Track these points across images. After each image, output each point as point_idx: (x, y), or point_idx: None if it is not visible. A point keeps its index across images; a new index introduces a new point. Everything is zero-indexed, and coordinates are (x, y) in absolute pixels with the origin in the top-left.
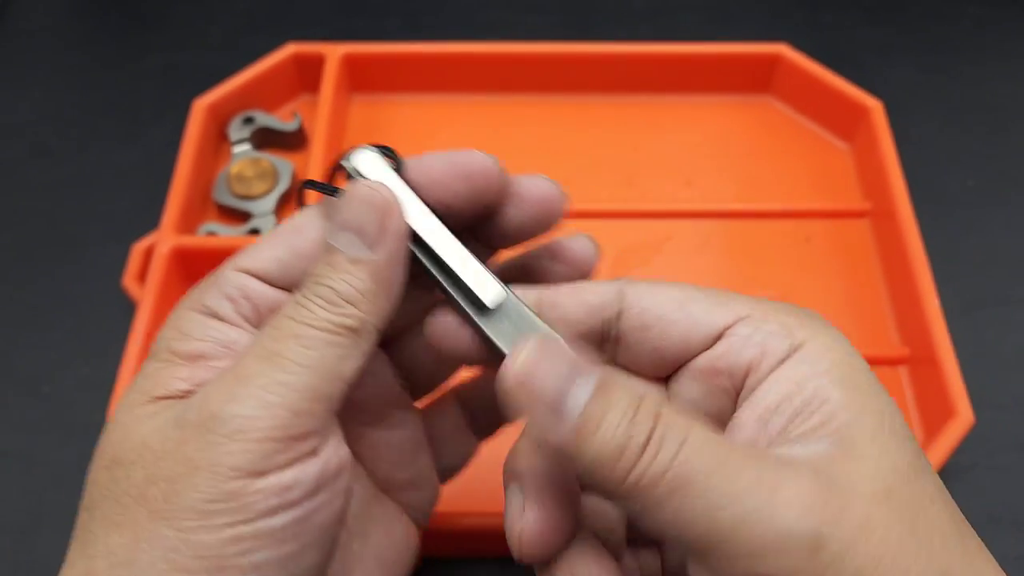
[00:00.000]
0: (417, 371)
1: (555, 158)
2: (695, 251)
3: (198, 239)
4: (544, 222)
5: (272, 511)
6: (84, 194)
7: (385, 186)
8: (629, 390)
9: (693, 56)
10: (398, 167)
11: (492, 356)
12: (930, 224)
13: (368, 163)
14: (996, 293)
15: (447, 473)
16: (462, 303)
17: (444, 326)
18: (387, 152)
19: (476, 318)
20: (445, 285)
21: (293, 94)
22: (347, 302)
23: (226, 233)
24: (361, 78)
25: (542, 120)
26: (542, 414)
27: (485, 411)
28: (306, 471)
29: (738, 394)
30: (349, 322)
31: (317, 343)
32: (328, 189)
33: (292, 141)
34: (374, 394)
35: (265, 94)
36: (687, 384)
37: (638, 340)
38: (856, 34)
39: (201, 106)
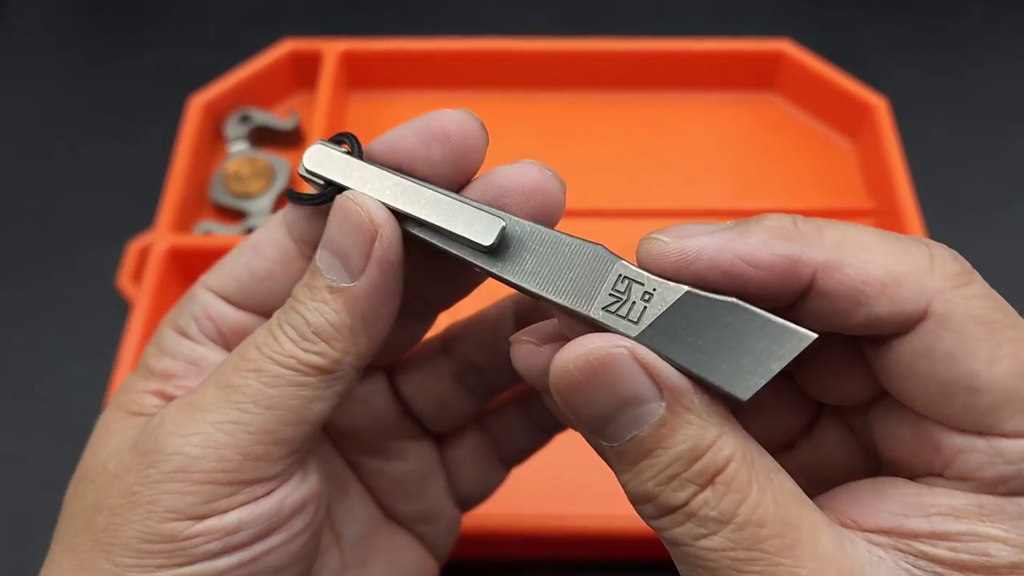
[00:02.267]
0: (426, 400)
1: (555, 156)
2: None
3: (194, 238)
4: (541, 218)
5: (214, 555)
6: (78, 193)
7: (376, 203)
8: (697, 434)
9: (695, 53)
10: (358, 153)
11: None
12: (935, 224)
13: (319, 159)
14: (1003, 294)
15: (468, 503)
16: (477, 262)
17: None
18: (345, 139)
19: (490, 267)
20: (459, 254)
21: (290, 91)
22: (319, 337)
23: (223, 232)
24: (359, 75)
25: (542, 117)
26: (584, 418)
27: (514, 438)
28: (255, 512)
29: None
30: (319, 361)
31: (280, 381)
32: (312, 199)
33: (289, 139)
34: (366, 424)
35: (262, 91)
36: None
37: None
38: (860, 32)
39: (197, 104)
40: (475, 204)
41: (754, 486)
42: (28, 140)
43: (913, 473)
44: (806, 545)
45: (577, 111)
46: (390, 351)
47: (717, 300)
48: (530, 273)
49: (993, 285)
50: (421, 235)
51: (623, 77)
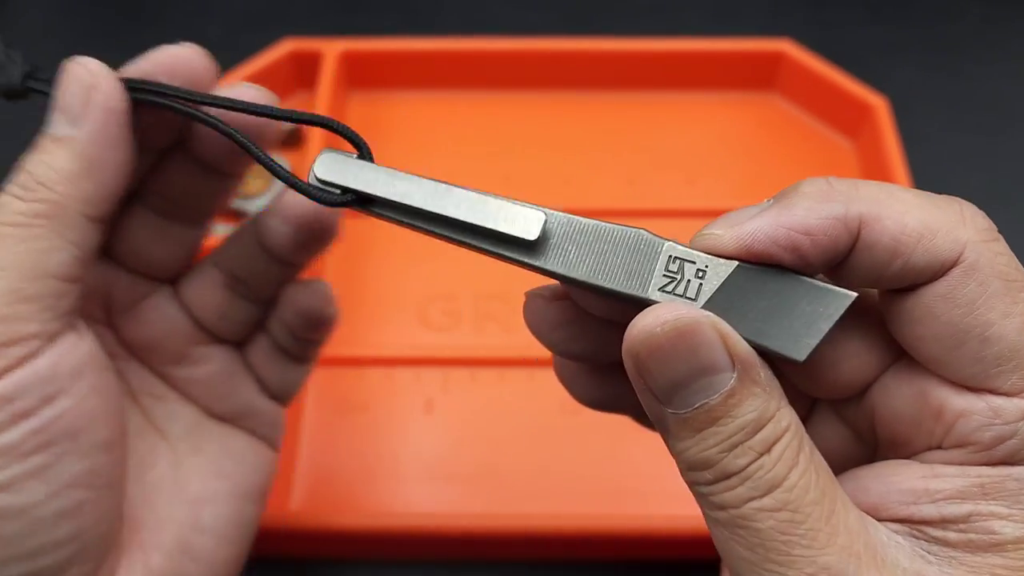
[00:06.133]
0: (207, 311)
1: (554, 156)
2: None
3: None
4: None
5: (1, 427)
6: None
7: (94, 62)
8: (764, 405)
9: (695, 52)
10: (368, 156)
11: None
12: None
13: (330, 166)
14: None
15: (283, 399)
16: (518, 256)
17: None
18: (350, 138)
19: (531, 260)
20: (494, 249)
21: (289, 91)
22: (42, 185)
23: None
24: (359, 75)
25: (541, 117)
26: (658, 383)
27: (293, 342)
28: (27, 376)
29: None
30: (41, 208)
31: (10, 241)
32: (338, 202)
33: (289, 139)
34: (163, 334)
35: None
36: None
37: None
38: (859, 32)
39: None
40: (505, 199)
41: (802, 455)
42: (27, 141)
43: (911, 450)
44: (840, 516)
45: (576, 111)
46: (171, 262)
47: (765, 270)
48: (575, 263)
49: None
50: (451, 235)
51: (623, 77)
